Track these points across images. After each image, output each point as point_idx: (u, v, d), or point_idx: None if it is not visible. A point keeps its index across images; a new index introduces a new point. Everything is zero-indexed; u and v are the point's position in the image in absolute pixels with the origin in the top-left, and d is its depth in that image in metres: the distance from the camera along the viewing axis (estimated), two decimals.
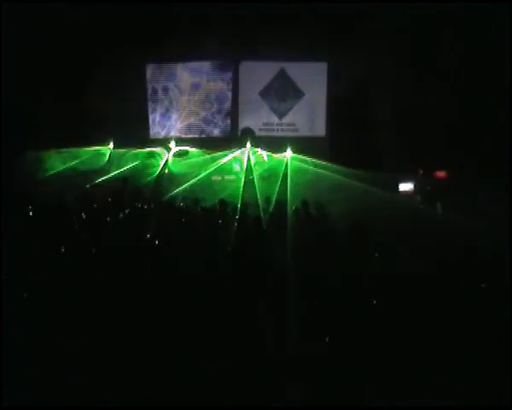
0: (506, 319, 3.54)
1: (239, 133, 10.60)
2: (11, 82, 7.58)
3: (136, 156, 9.49)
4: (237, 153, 9.40)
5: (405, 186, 9.20)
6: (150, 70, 10.86)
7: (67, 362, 3.51)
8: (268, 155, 9.37)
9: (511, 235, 4.91)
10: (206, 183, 9.00)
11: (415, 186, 9.14)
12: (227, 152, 9.47)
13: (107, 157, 9.42)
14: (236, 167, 9.51)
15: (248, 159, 9.20)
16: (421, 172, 9.16)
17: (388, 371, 3.47)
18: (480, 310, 3.71)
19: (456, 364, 3.47)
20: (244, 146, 9.34)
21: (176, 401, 3.33)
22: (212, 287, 3.97)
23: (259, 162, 9.33)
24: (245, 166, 9.10)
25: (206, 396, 3.33)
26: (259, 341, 3.72)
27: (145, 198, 7.40)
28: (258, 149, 9.42)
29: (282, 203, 7.03)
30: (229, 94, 10.74)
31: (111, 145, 9.53)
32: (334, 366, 3.58)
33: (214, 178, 9.41)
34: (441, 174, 9.16)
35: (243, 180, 8.85)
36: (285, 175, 8.68)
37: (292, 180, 8.51)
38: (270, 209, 6.99)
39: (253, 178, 8.86)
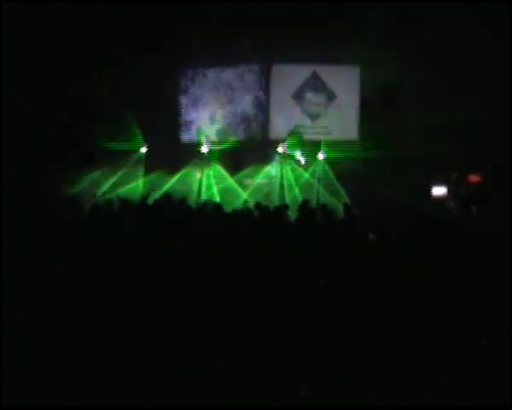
0: (506, 319, 3.54)
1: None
2: (11, 82, 7.58)
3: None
4: (271, 157, 9.52)
5: (438, 190, 9.19)
6: (182, 73, 10.90)
7: (68, 362, 3.51)
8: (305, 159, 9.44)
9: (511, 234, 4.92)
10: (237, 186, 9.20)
11: (448, 190, 9.11)
12: (261, 155, 9.64)
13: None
14: (272, 171, 9.53)
15: (284, 163, 9.31)
16: (455, 176, 9.10)
17: (388, 371, 3.47)
18: (479, 310, 3.72)
19: (456, 364, 3.47)
20: (277, 151, 9.45)
21: (176, 401, 3.33)
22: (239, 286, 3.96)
23: (295, 166, 9.39)
24: (279, 171, 9.26)
25: (207, 396, 3.33)
26: (261, 340, 3.72)
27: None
28: (297, 153, 9.49)
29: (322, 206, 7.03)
30: (262, 97, 10.74)
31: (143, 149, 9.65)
32: (334, 366, 3.58)
33: (246, 182, 9.50)
34: (475, 178, 9.03)
35: (278, 184, 9.11)
36: (318, 179, 8.95)
37: (324, 184, 8.78)
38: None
39: (289, 183, 9.01)
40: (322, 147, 9.36)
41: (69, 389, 3.30)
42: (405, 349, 3.59)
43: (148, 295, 4.03)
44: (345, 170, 9.23)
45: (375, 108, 10.06)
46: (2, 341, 3.53)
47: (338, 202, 8.19)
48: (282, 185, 9.17)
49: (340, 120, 10.56)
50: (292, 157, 9.52)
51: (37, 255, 4.28)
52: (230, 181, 9.35)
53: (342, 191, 8.83)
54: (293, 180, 9.21)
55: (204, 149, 9.78)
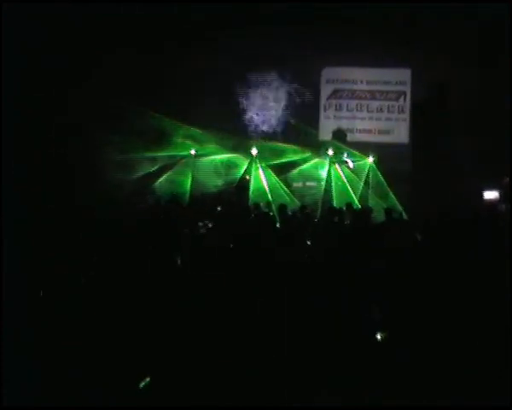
0: (506, 319, 3.54)
1: (329, 135, 10.44)
2: (11, 82, 7.58)
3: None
4: (319, 159, 9.48)
5: (490, 194, 8.99)
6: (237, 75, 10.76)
7: (68, 362, 3.51)
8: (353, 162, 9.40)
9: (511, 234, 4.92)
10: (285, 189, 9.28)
11: (500, 194, 8.89)
12: (309, 157, 9.53)
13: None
14: (322, 174, 9.50)
15: (332, 165, 9.27)
16: (507, 179, 8.78)
17: (388, 371, 3.47)
18: (479, 309, 3.71)
19: (456, 364, 3.47)
20: (327, 152, 9.42)
21: (176, 401, 3.33)
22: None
23: (344, 169, 9.37)
24: (327, 173, 9.27)
25: (207, 396, 3.33)
26: (261, 340, 3.72)
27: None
28: (344, 155, 9.46)
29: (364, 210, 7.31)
30: (311, 99, 10.70)
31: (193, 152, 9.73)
32: (334, 366, 3.58)
33: (296, 184, 9.52)
34: None
35: (328, 186, 9.12)
36: (366, 182, 8.97)
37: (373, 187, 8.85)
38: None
39: (338, 184, 9.01)
40: (372, 150, 9.36)
41: (69, 389, 3.30)
42: (405, 349, 3.59)
43: (148, 294, 4.04)
44: (395, 173, 9.17)
45: (427, 111, 9.87)
46: (2, 341, 3.53)
47: (384, 206, 8.20)
48: (329, 188, 9.25)
49: (391, 122, 10.48)
50: (340, 160, 9.52)
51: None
52: (276, 182, 9.42)
53: (391, 195, 8.82)
54: (340, 183, 9.24)
55: (254, 150, 9.80)
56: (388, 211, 6.98)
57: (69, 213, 5.90)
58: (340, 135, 10.30)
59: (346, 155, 9.50)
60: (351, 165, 9.44)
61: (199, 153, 9.93)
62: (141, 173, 9.68)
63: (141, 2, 9.14)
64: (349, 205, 7.54)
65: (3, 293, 3.87)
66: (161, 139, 9.87)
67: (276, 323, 3.76)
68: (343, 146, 9.78)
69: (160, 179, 9.74)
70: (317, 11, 9.15)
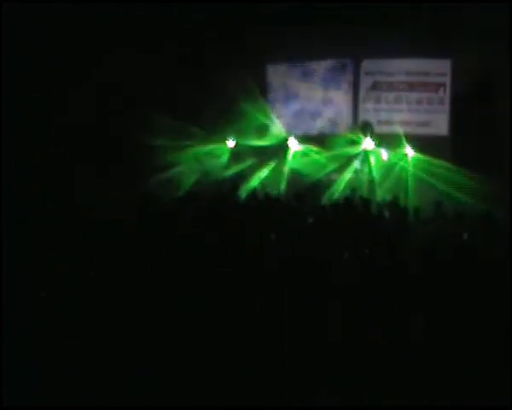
0: (506, 319, 3.53)
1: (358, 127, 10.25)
2: (11, 82, 7.58)
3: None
4: (357, 150, 9.43)
5: None
6: (271, 70, 10.92)
7: (68, 362, 3.51)
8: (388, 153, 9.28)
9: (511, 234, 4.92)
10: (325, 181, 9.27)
11: None
12: (346, 150, 9.53)
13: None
14: (357, 165, 9.49)
15: (367, 157, 9.30)
16: None
17: (388, 371, 3.47)
18: (480, 309, 3.71)
19: (456, 364, 3.47)
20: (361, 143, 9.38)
21: (176, 401, 3.33)
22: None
23: (379, 161, 9.31)
24: (364, 164, 9.30)
25: (207, 396, 3.33)
26: (261, 340, 3.72)
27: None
28: (379, 148, 9.37)
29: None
30: (350, 93, 10.61)
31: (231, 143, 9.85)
32: (334, 366, 3.58)
33: (334, 176, 9.49)
34: None
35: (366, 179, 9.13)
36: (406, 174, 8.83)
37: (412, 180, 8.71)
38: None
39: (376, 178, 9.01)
40: (411, 142, 9.18)
41: (69, 389, 3.30)
42: (405, 349, 3.59)
43: (149, 293, 4.04)
44: (435, 168, 8.96)
45: (467, 103, 9.51)
46: (2, 341, 3.53)
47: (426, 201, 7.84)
48: (370, 180, 9.21)
49: (428, 114, 10.20)
50: (375, 152, 9.41)
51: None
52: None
53: (432, 189, 8.58)
54: (379, 175, 9.18)
55: (291, 142, 9.85)
56: (438, 204, 6.75)
57: (70, 213, 5.89)
58: (364, 127, 10.11)
59: (380, 147, 9.42)
60: (384, 156, 9.35)
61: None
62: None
63: (141, 3, 9.13)
64: (395, 199, 7.38)
65: (3, 293, 3.86)
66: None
67: (276, 323, 3.76)
68: (376, 138, 9.65)
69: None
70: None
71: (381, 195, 8.36)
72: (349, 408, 3.37)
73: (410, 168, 8.97)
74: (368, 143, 9.37)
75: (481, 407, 3.22)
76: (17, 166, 7.48)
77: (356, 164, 9.53)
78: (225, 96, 9.68)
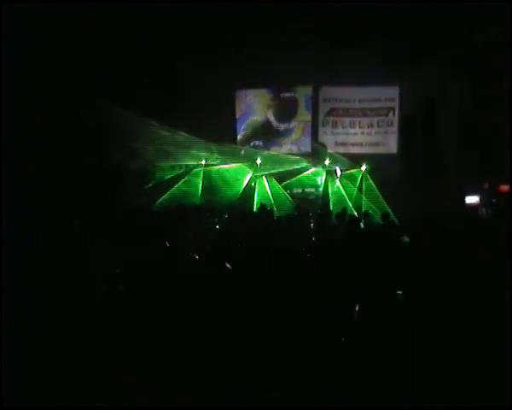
0: (506, 319, 3.54)
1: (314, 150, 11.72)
2: (11, 82, 7.57)
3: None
4: (314, 169, 10.74)
5: (471, 199, 10.14)
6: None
7: (68, 362, 3.51)
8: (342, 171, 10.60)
9: (511, 234, 4.92)
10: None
11: (480, 199, 10.02)
12: (307, 166, 10.76)
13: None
14: (318, 181, 10.71)
15: (327, 173, 10.56)
16: (486, 186, 9.99)
17: (388, 371, 3.47)
18: (479, 309, 3.72)
19: (456, 364, 3.47)
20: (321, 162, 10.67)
21: (176, 401, 3.33)
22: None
23: (337, 177, 10.55)
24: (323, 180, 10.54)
25: (207, 396, 3.33)
26: (261, 340, 3.72)
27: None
28: (335, 166, 10.64)
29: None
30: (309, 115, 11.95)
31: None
32: (335, 366, 3.58)
33: (296, 190, 10.72)
34: (505, 188, 9.75)
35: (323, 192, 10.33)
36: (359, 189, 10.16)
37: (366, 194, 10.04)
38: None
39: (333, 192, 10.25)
40: (364, 161, 10.39)
41: (69, 389, 3.30)
42: (406, 350, 3.59)
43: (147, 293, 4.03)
44: (385, 181, 10.09)
45: (414, 124, 10.83)
46: (2, 341, 3.53)
47: (378, 211, 9.21)
48: (326, 194, 10.37)
49: (379, 136, 11.64)
50: (331, 169, 10.65)
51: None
52: (279, 188, 10.50)
53: (382, 200, 9.84)
54: (335, 189, 10.37)
55: (258, 159, 10.75)
56: (385, 215, 7.44)
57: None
58: (334, 148, 11.61)
59: (336, 165, 10.66)
60: (338, 172, 10.53)
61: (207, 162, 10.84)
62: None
63: (141, 3, 9.13)
64: (344, 210, 8.11)
65: (3, 293, 3.86)
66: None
67: (276, 322, 3.77)
68: (338, 157, 10.94)
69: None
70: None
71: (339, 206, 9.24)
72: (349, 408, 3.37)
73: (364, 182, 10.26)
74: (324, 163, 10.67)
75: (481, 407, 3.22)
76: (17, 166, 7.48)
77: (316, 178, 10.74)
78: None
